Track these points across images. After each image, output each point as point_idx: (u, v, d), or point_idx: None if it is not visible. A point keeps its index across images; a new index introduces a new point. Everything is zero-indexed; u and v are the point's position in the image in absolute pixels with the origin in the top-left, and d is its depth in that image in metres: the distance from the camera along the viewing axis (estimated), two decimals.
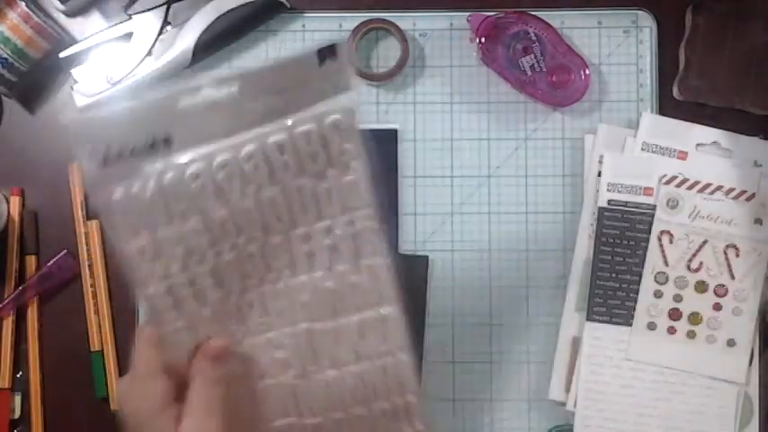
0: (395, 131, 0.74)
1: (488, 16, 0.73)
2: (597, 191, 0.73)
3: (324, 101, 0.53)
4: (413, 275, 0.73)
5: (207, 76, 0.52)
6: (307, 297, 0.55)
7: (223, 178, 0.53)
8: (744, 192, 0.72)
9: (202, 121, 0.51)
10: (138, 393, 0.52)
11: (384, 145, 0.74)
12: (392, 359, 0.56)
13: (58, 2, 0.74)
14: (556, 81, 0.74)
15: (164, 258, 0.53)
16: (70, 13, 0.76)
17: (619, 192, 0.73)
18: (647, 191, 0.73)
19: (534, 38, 0.73)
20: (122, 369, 0.74)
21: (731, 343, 0.72)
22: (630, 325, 0.72)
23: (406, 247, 0.74)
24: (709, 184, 0.73)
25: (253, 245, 0.55)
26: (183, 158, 0.52)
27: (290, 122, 0.52)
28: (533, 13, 0.74)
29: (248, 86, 0.51)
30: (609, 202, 0.73)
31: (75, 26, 0.76)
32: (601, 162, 0.73)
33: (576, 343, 0.73)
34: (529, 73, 0.74)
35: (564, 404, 0.73)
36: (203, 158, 0.52)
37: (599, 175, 0.73)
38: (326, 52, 0.52)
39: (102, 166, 0.50)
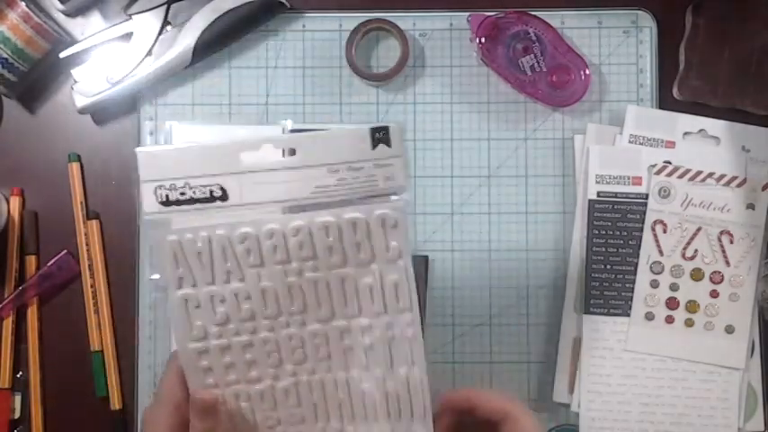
0: None
1: (488, 16, 0.73)
2: (587, 185, 0.73)
3: (376, 196, 0.52)
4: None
5: (268, 135, 0.51)
6: (343, 395, 0.55)
7: (268, 247, 0.52)
8: (734, 178, 0.72)
9: (259, 182, 0.52)
10: (155, 420, 0.53)
11: None
12: None
13: (58, 2, 0.74)
14: (556, 81, 0.74)
15: (202, 316, 0.53)
16: (70, 13, 0.76)
17: (607, 183, 0.73)
18: (636, 180, 0.73)
19: (534, 38, 0.73)
20: (122, 369, 0.74)
21: (730, 329, 0.72)
22: (628, 315, 0.72)
23: None
24: (699, 172, 0.73)
25: (290, 328, 0.54)
26: (234, 218, 0.52)
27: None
28: (533, 13, 0.74)
29: (307, 154, 0.51)
30: (598, 193, 0.73)
31: (75, 26, 0.76)
32: (588, 156, 0.73)
33: (577, 344, 0.73)
34: (529, 73, 0.74)
35: (568, 406, 0.73)
36: (253, 223, 0.52)
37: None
38: (380, 134, 0.51)
39: (164, 206, 0.51)
